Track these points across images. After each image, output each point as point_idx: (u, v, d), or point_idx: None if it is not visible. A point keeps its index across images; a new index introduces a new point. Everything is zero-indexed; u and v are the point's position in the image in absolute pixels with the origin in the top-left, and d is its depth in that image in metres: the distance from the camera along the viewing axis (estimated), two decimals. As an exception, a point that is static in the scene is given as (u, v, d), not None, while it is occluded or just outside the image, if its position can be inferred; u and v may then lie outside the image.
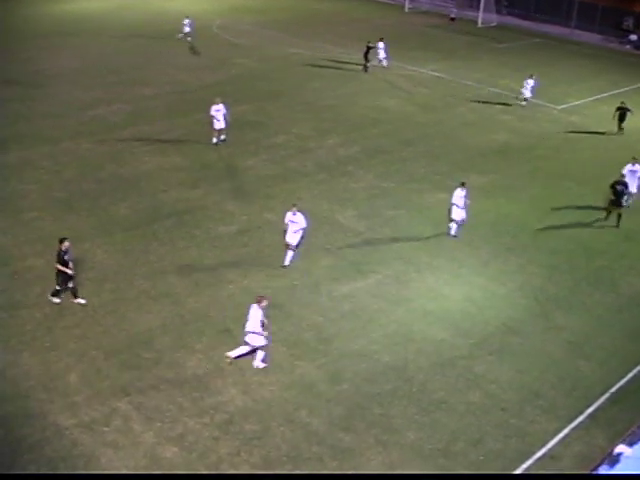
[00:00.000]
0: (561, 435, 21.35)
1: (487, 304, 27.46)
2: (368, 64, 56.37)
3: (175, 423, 20.93)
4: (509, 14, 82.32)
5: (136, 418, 21.05)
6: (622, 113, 46.47)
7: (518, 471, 19.87)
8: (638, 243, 32.84)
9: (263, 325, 23.05)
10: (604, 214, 34.18)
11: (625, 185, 33.87)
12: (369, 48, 56.33)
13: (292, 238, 28.90)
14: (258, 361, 23.42)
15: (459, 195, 31.61)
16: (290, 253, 29.07)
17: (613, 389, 23.34)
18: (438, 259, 30.27)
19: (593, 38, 76.01)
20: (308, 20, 75.14)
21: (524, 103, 50.88)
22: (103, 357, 23.32)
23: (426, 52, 60.85)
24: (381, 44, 57.67)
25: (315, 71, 56.27)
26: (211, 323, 25.30)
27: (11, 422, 20.62)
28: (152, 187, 34.94)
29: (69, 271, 25.12)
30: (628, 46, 74.45)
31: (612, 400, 22.90)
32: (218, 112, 40.00)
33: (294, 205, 29.10)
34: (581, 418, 22.04)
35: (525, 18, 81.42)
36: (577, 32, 76.88)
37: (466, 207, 31.75)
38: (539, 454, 20.61)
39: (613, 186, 33.61)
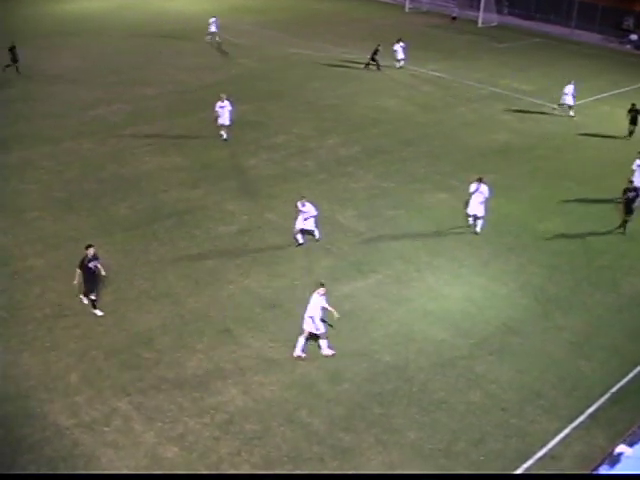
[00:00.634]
0: (562, 435, 21.35)
1: (487, 304, 27.45)
2: (374, 63, 56.96)
3: (175, 423, 20.93)
4: (510, 14, 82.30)
5: (136, 418, 21.05)
6: (634, 116, 45.83)
7: (519, 471, 19.87)
8: (639, 243, 32.80)
9: (324, 313, 23.80)
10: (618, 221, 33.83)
11: (636, 191, 33.40)
12: (376, 51, 56.61)
13: (305, 224, 30.26)
14: (325, 349, 24.00)
15: (472, 189, 32.14)
16: (316, 231, 30.71)
17: (614, 389, 23.33)
18: (438, 259, 30.27)
19: (593, 38, 75.99)
20: (308, 20, 75.15)
21: (572, 113, 49.08)
22: (103, 357, 23.33)
23: (426, 52, 60.78)
24: (398, 45, 57.92)
25: (315, 71, 56.26)
26: (211, 323, 25.31)
27: (12, 422, 20.63)
28: (152, 187, 34.95)
29: (76, 280, 24.81)
30: (628, 46, 74.41)
31: (613, 400, 22.89)
32: (222, 109, 40.25)
33: (303, 197, 29.73)
34: (582, 418, 22.03)
35: (525, 18, 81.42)
36: (577, 32, 76.85)
37: (483, 202, 32.20)
38: (540, 454, 20.61)
39: (624, 192, 33.31)
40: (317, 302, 23.53)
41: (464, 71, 58.89)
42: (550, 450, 20.79)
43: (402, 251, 30.72)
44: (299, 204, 29.76)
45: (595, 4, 76.17)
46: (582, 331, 26.30)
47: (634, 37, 74.93)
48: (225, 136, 41.16)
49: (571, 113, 49.01)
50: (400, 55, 57.87)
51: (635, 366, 24.45)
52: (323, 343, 23.98)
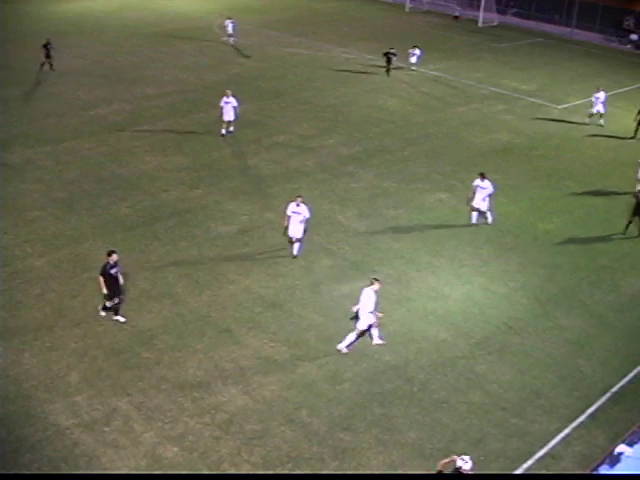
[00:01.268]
0: (562, 435, 21.34)
1: (488, 304, 27.45)
2: (390, 67, 56.11)
3: (176, 423, 20.93)
4: (504, 13, 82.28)
5: (137, 418, 21.06)
6: None
7: (519, 471, 19.86)
8: (638, 243, 32.77)
9: (376, 307, 24.17)
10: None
11: None
12: (389, 54, 55.90)
13: (296, 231, 29.08)
14: (376, 339, 24.52)
15: (476, 185, 32.58)
16: (296, 245, 29.33)
17: (614, 389, 23.33)
18: (439, 259, 30.27)
19: (594, 37, 76.02)
20: (309, 20, 75.18)
21: (602, 121, 47.31)
22: (104, 357, 23.34)
23: (427, 52, 60.69)
24: (417, 51, 57.59)
25: (316, 71, 56.26)
26: (212, 323, 25.31)
27: (13, 422, 20.63)
28: (153, 187, 34.97)
29: (104, 289, 24.34)
30: (629, 45, 74.43)
31: (613, 400, 22.88)
32: (228, 104, 40.79)
33: (299, 196, 29.33)
34: (582, 418, 22.02)
35: (526, 17, 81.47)
36: (577, 31, 76.86)
37: (487, 198, 32.61)
38: (540, 454, 20.60)
39: (635, 195, 33.15)
40: (371, 297, 24.01)
41: (464, 71, 58.91)
42: (550, 450, 20.78)
43: (402, 251, 30.72)
44: (293, 204, 29.06)
45: (595, 4, 76.25)
46: (583, 331, 26.30)
47: (634, 37, 74.93)
48: (232, 129, 41.89)
49: (601, 121, 47.35)
50: (415, 59, 57.66)
51: (636, 366, 24.45)
52: (375, 332, 24.54)
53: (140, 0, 77.23)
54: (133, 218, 32.01)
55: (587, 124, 47.59)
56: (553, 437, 21.23)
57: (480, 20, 77.80)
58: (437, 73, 56.92)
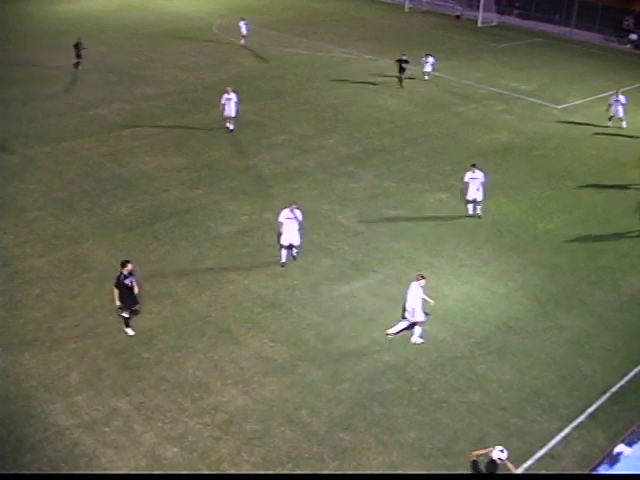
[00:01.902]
0: (562, 435, 21.34)
1: (488, 304, 27.46)
2: (402, 76, 53.33)
3: (175, 423, 20.95)
4: (512, 14, 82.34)
5: (137, 418, 21.07)
6: None
7: (519, 471, 19.81)
8: (638, 242, 32.78)
9: (423, 303, 24.98)
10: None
11: None
12: (402, 62, 52.95)
13: (293, 237, 28.68)
14: (416, 337, 25.04)
15: (467, 177, 33.42)
16: (293, 250, 29.18)
17: (614, 388, 23.33)
18: (439, 259, 30.27)
19: (593, 37, 75.97)
20: (308, 20, 75.20)
21: (624, 124, 46.85)
22: (104, 357, 23.35)
23: (426, 51, 60.56)
24: (430, 59, 55.53)
25: (316, 71, 56.27)
26: (212, 323, 25.32)
27: (13, 422, 20.66)
28: (153, 187, 34.99)
29: (117, 301, 23.90)
30: (628, 45, 74.35)
31: (613, 400, 22.88)
32: (230, 100, 41.37)
33: (293, 202, 28.98)
34: (582, 418, 22.03)
35: (525, 18, 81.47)
36: (577, 31, 76.80)
37: (480, 187, 33.37)
38: (540, 454, 20.60)
39: None
40: (417, 293, 24.67)
41: (464, 71, 58.92)
42: (550, 450, 20.79)
43: (402, 251, 30.73)
44: (287, 210, 28.43)
45: (595, 3, 76.21)
46: (583, 331, 26.30)
47: (634, 37, 74.87)
48: (232, 127, 42.29)
49: (623, 124, 46.97)
50: (429, 68, 55.49)
51: (636, 365, 24.45)
52: (417, 331, 25.01)
53: (140, 0, 77.27)
54: (133, 218, 32.03)
55: (609, 126, 47.22)
56: (553, 437, 21.24)
57: (479, 20, 77.78)
58: (437, 73, 56.75)
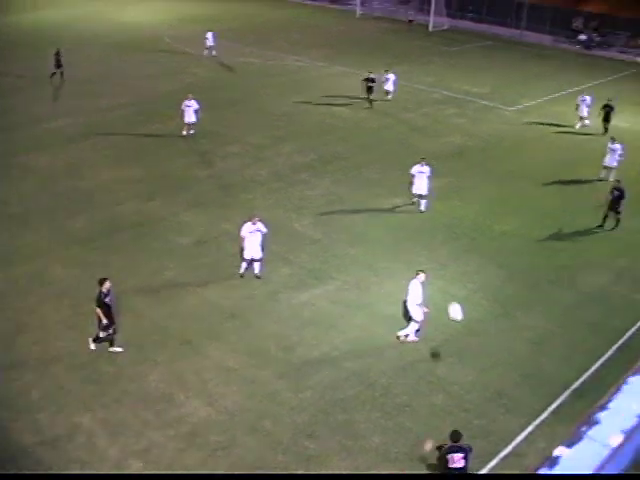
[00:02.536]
0: (525, 433, 21.53)
1: (447, 306, 27.56)
2: (371, 97, 50.67)
3: (140, 437, 20.80)
4: (464, 17, 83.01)
5: (100, 433, 20.88)
6: (607, 112, 46.26)
7: (484, 471, 19.97)
8: (595, 240, 33.22)
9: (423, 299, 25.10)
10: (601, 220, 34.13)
11: (620, 191, 33.35)
12: (369, 81, 50.26)
13: (255, 251, 28.34)
14: (411, 334, 25.22)
15: (415, 170, 34.48)
16: (257, 264, 28.78)
17: (575, 385, 23.57)
18: (396, 263, 30.37)
19: (544, 39, 77.02)
20: (261, 28, 75.32)
21: (587, 122, 47.93)
22: (65, 373, 23.11)
23: (377, 57, 60.96)
24: (391, 75, 52.46)
25: (269, 79, 56.38)
26: (172, 335, 25.18)
27: (-27, 442, 20.43)
28: (109, 199, 34.74)
29: (104, 320, 23.51)
30: (578, 46, 75.44)
31: (575, 396, 23.09)
32: (189, 107, 42.26)
33: (254, 215, 28.73)
34: (545, 415, 22.23)
35: (476, 21, 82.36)
36: (527, 33, 77.83)
37: (426, 181, 34.52)
38: (504, 452, 20.76)
39: (611, 192, 33.61)
40: (418, 289, 24.83)
41: (416, 75, 59.37)
42: (514, 448, 20.96)
43: (360, 257, 30.81)
44: (249, 224, 28.11)
45: (544, 5, 77.14)
46: (543, 329, 26.58)
47: (583, 37, 75.92)
48: (192, 132, 43.10)
49: (586, 122, 47.99)
50: (391, 87, 52.50)
51: (596, 361, 24.76)
52: (413, 327, 25.30)
53: (91, 11, 76.85)
54: (90, 232, 31.77)
55: (577, 128, 48.03)
56: (517, 435, 21.41)
57: (431, 25, 78.36)
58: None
